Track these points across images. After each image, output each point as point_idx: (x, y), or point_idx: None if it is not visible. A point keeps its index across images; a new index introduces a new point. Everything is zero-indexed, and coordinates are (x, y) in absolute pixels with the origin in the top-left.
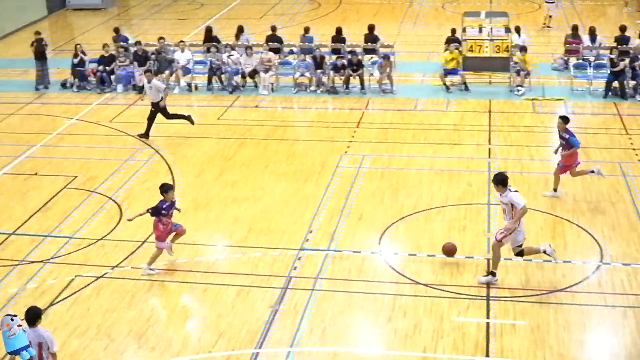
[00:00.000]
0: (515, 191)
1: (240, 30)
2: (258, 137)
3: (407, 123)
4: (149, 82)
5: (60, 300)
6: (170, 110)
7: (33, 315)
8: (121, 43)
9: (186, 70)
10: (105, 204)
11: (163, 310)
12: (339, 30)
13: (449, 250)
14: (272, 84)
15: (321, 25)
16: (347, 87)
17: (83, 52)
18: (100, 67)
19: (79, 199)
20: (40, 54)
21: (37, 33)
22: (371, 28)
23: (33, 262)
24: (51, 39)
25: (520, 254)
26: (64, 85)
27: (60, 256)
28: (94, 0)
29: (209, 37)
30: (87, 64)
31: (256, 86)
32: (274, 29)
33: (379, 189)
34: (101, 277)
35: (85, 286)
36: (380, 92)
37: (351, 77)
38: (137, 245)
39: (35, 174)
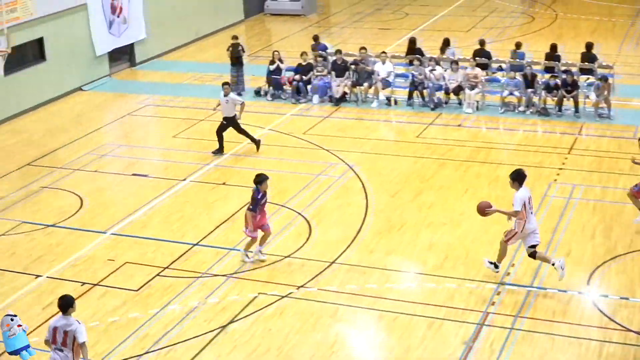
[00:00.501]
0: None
1: (446, 43)
2: (459, 159)
3: (624, 152)
4: (226, 95)
5: (241, 318)
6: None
7: (65, 304)
8: (320, 52)
9: (386, 83)
10: (294, 219)
11: (348, 337)
12: (553, 47)
13: (481, 209)
14: (477, 102)
15: (534, 41)
16: (560, 110)
17: (280, 60)
18: (297, 76)
19: (267, 212)
20: (236, 60)
21: (235, 38)
22: (589, 46)
23: (216, 275)
24: (247, 44)
25: (532, 255)
26: (257, 93)
27: (244, 271)
28: (293, 5)
29: (412, 49)
30: (284, 72)
31: (460, 104)
32: (482, 43)
33: (589, 224)
34: (285, 296)
35: (269, 305)
36: (595, 117)
37: (564, 99)
38: (325, 266)
39: (223, 184)
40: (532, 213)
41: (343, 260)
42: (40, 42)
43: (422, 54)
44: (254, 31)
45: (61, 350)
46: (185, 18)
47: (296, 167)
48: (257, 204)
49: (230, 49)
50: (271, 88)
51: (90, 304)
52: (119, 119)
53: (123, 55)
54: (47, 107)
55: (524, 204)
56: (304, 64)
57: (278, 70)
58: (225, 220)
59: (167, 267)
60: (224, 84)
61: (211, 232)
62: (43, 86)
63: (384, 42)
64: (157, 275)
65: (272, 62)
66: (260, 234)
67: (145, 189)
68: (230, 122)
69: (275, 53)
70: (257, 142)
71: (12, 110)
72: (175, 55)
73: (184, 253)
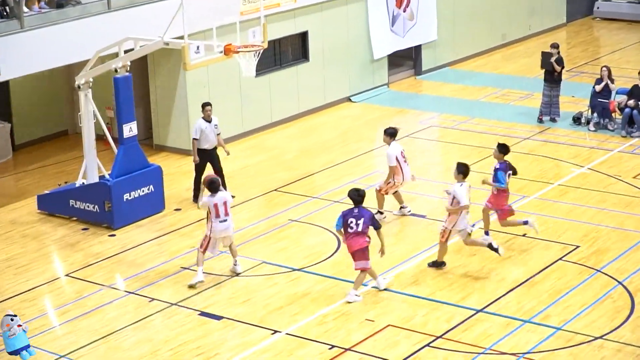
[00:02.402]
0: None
1: None
2: None
3: None
4: (208, 119)
5: None
6: None
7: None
8: None
9: None
10: (612, 290)
11: None
12: None
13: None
14: None
15: None
16: None
17: (610, 78)
18: (631, 102)
19: (577, 277)
20: (550, 75)
21: (554, 46)
22: None
23: (503, 353)
24: (567, 55)
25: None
26: (577, 120)
27: (536, 352)
28: (633, 9)
29: None
30: (614, 95)
31: None
32: None
33: None
34: None
35: None
36: None
37: None
38: None
39: (524, 236)
40: None
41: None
42: (303, 37)
43: None
44: (577, 39)
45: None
46: (490, 18)
47: (621, 221)
48: None
49: (542, 59)
50: (595, 115)
51: None
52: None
53: (406, 61)
54: (305, 119)
55: None
56: None
57: (607, 92)
58: (522, 284)
59: (440, 337)
60: (208, 104)
61: (501, 296)
62: (303, 93)
63: None
64: (427, 345)
65: (599, 81)
66: None
67: (421, 234)
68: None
69: (604, 69)
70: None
71: (261, 121)
72: (473, 64)
73: (464, 320)
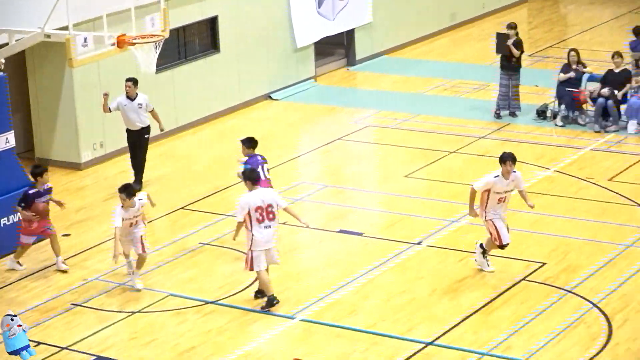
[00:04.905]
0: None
1: None
2: None
3: None
4: (131, 97)
5: None
6: None
7: None
8: None
9: None
10: (585, 313)
11: None
12: None
13: None
14: None
15: None
16: None
17: (580, 63)
18: (604, 90)
19: (543, 299)
20: (507, 61)
21: (511, 27)
22: None
23: None
24: (528, 37)
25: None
26: (542, 113)
27: None
28: None
29: None
30: (584, 84)
31: None
32: None
33: None
34: None
35: None
36: None
37: None
38: None
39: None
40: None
41: None
42: (212, 24)
43: None
44: (541, 18)
45: None
46: None
47: (594, 232)
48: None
49: (497, 42)
50: (563, 107)
51: None
52: (324, 146)
53: (337, 49)
54: (217, 122)
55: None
56: (616, 71)
57: (575, 81)
58: (478, 310)
59: None
60: (129, 80)
61: (454, 326)
62: (214, 90)
63: None
64: None
65: (566, 67)
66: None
67: (357, 255)
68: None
69: (572, 53)
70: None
71: (167, 124)
72: (417, 51)
73: (412, 356)
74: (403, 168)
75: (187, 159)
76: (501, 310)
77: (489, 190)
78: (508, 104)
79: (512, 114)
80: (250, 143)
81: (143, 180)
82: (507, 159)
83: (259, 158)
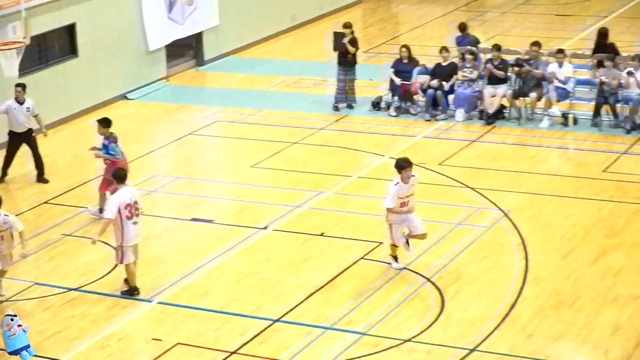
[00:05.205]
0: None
1: None
2: None
3: None
4: (20, 100)
5: None
6: None
7: None
8: (467, 47)
9: (562, 93)
10: (419, 287)
11: None
12: None
13: None
14: None
15: None
16: None
17: (411, 59)
18: (434, 82)
19: (381, 276)
20: (344, 57)
21: (347, 26)
22: None
23: None
24: (363, 35)
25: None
26: (376, 105)
27: None
28: None
29: (603, 45)
30: (415, 76)
31: None
32: None
33: None
34: None
35: None
36: None
37: None
38: (462, 355)
39: (321, 235)
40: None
41: (488, 347)
42: (70, 30)
43: (616, 53)
44: (374, 17)
45: None
46: None
47: (426, 212)
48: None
49: (335, 39)
50: (396, 98)
51: None
52: (176, 141)
53: (187, 50)
54: (76, 121)
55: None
56: (444, 64)
57: (406, 74)
58: (321, 288)
59: (235, 352)
60: (18, 85)
61: (299, 303)
62: (73, 92)
63: (562, 35)
64: None
65: (398, 62)
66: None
67: (208, 241)
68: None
69: (404, 49)
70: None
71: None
72: (261, 51)
73: (260, 332)
74: (250, 159)
75: (49, 157)
76: (342, 288)
77: None
78: (345, 97)
79: (349, 107)
80: (105, 122)
81: (7, 178)
82: (406, 165)
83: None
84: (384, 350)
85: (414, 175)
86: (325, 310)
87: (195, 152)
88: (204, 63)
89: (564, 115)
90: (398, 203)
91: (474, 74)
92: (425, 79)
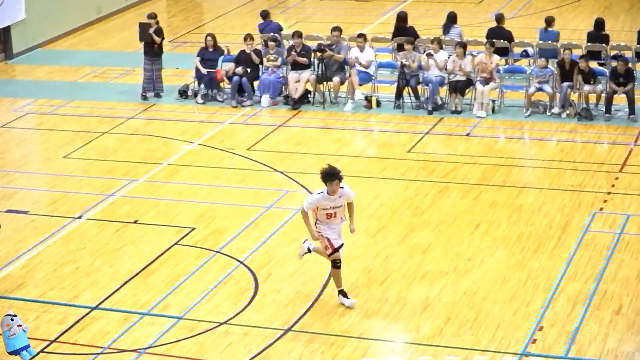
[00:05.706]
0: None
1: (450, 20)
2: (467, 182)
3: None
4: None
5: None
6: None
7: None
8: (270, 34)
9: (365, 77)
10: (233, 271)
11: None
12: (599, 24)
13: None
14: (492, 101)
15: (572, 16)
16: (609, 111)
17: (216, 47)
18: (239, 69)
19: (195, 261)
20: (150, 47)
21: (151, 17)
22: None
23: (123, 350)
24: (167, 25)
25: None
26: (183, 93)
27: (162, 344)
28: None
29: (402, 29)
30: (220, 64)
31: (469, 104)
32: (499, 19)
33: None
34: None
35: None
36: None
37: (615, 95)
38: (276, 335)
39: (135, 222)
40: None
41: (302, 327)
42: None
43: (415, 36)
44: (178, 7)
45: None
46: None
47: (237, 197)
48: None
49: (141, 32)
50: (202, 86)
51: None
52: None
53: None
54: None
55: None
56: (248, 51)
57: (212, 62)
58: (136, 274)
59: (55, 340)
60: None
61: (116, 290)
62: None
63: (362, 20)
64: (42, 351)
65: (204, 50)
66: None
67: (23, 231)
68: None
69: (209, 38)
70: None
71: None
72: (68, 43)
73: (79, 320)
74: (62, 150)
75: None
76: (157, 273)
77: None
78: (153, 86)
79: (157, 95)
80: None
81: None
82: (332, 178)
83: None
84: (200, 333)
85: (342, 187)
86: (142, 296)
87: (7, 145)
88: (13, 56)
89: (367, 99)
90: (324, 214)
91: (278, 61)
92: (230, 66)
